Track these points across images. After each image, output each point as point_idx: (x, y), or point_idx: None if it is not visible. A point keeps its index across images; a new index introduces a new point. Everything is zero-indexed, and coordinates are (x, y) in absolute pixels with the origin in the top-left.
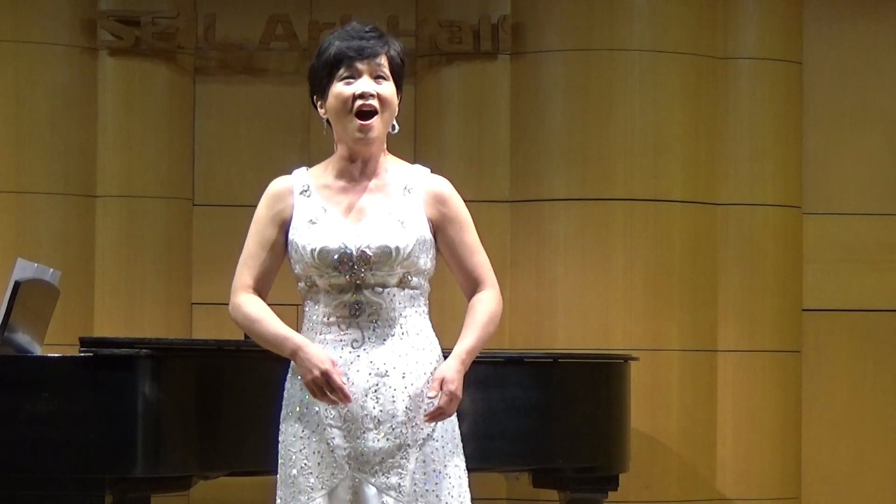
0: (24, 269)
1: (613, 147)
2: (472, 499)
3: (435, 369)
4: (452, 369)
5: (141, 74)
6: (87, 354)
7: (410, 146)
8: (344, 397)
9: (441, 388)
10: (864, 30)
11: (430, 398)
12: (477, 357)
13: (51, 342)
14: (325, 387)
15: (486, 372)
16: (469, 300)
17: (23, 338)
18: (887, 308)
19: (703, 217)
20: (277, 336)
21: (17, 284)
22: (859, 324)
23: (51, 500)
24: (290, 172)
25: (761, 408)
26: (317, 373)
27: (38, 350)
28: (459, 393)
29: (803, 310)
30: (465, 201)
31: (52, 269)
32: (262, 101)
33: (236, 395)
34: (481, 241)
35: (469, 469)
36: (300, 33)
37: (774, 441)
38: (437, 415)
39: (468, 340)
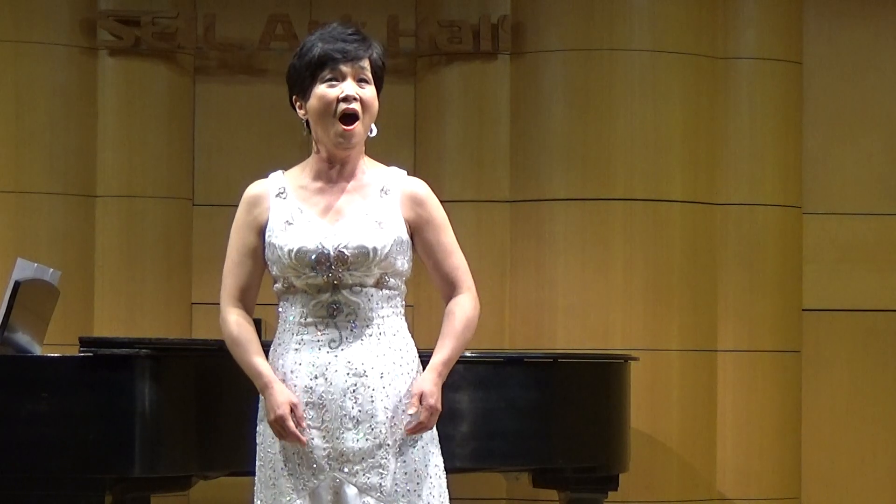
0: (24, 269)
1: (613, 147)
2: (472, 499)
3: (412, 371)
4: (430, 382)
5: (141, 74)
6: (86, 354)
7: (410, 146)
8: (297, 441)
9: (420, 403)
10: (864, 30)
11: (410, 414)
12: (477, 357)
13: (51, 342)
14: (282, 431)
15: (486, 372)
16: (446, 303)
17: (23, 338)
18: (887, 308)
19: (703, 217)
20: (252, 368)
21: (17, 284)
22: (859, 324)
23: (51, 500)
24: (266, 176)
25: (761, 408)
26: (272, 417)
27: (38, 350)
28: (439, 405)
29: (803, 310)
30: (465, 201)
31: (52, 269)
32: (262, 101)
33: (236, 395)
34: (482, 242)
35: (469, 469)
36: (300, 33)
37: (774, 441)
38: (418, 429)
39: (445, 352)
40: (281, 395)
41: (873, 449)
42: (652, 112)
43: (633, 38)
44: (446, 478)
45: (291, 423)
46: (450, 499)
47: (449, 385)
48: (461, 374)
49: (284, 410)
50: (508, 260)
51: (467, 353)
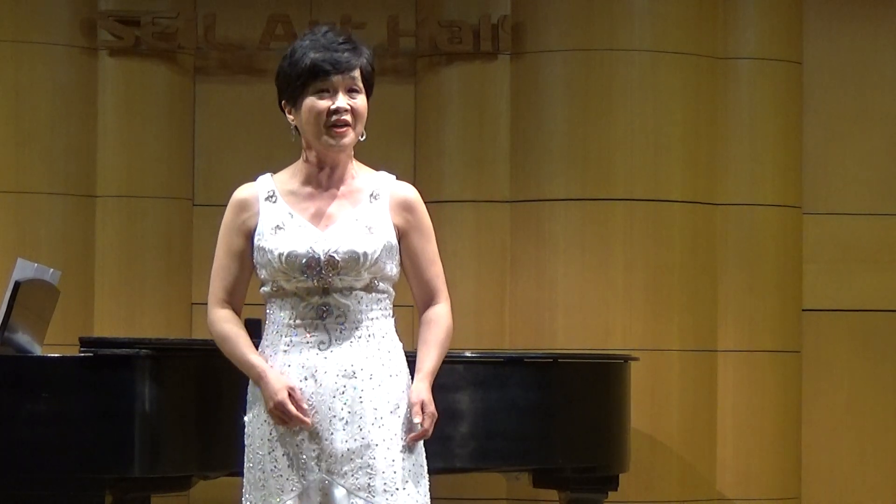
0: (24, 269)
1: (613, 147)
2: (472, 499)
3: (401, 372)
4: (426, 391)
5: (141, 74)
6: (87, 354)
7: (410, 146)
8: (301, 423)
9: (423, 412)
10: (864, 30)
11: (416, 422)
12: (477, 357)
13: (51, 342)
14: (284, 416)
15: (486, 372)
16: (420, 310)
17: (23, 338)
18: (887, 308)
19: (703, 217)
20: (244, 361)
21: (17, 284)
22: (859, 324)
23: (51, 500)
24: (254, 179)
25: (761, 408)
26: (271, 405)
27: (38, 350)
28: (436, 412)
29: (803, 310)
30: (465, 201)
31: (52, 269)
32: (262, 101)
33: (236, 395)
34: (482, 242)
35: (469, 469)
36: (300, 33)
37: (774, 441)
38: (421, 436)
39: (433, 360)
40: (277, 382)
41: (873, 449)
42: (652, 112)
43: (633, 38)
44: (445, 478)
45: (291, 406)
46: (450, 499)
47: (449, 385)
48: (461, 374)
49: (283, 395)
50: (508, 260)
51: (467, 353)
